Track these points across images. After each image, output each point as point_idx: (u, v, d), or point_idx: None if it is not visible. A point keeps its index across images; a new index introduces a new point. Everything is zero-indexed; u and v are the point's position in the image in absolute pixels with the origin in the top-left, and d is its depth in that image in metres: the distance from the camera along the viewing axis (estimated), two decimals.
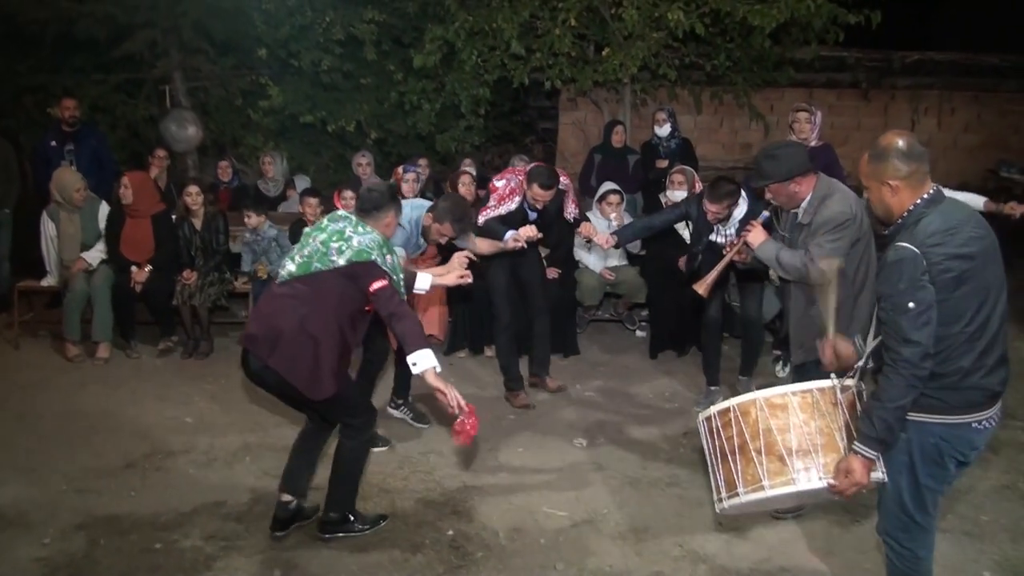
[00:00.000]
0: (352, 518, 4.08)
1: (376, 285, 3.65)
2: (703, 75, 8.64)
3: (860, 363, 2.94)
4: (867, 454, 2.73)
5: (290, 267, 3.81)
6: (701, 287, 4.60)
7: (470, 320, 6.69)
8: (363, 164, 7.72)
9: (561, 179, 5.71)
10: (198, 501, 4.39)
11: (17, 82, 8.46)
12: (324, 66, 8.45)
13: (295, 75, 8.73)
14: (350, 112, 8.64)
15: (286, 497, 4.07)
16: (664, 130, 7.60)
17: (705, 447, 3.18)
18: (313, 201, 6.62)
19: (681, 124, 9.60)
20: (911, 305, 2.62)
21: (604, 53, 7.89)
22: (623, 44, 7.71)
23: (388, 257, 3.77)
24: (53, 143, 7.44)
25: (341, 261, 3.69)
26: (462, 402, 3.61)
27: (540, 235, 5.33)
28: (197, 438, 5.14)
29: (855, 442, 2.76)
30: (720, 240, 5.39)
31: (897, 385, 2.65)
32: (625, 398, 5.89)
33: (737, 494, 2.98)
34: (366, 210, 3.87)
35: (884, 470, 2.84)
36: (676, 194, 6.62)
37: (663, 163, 7.51)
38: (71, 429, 5.25)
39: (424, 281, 4.34)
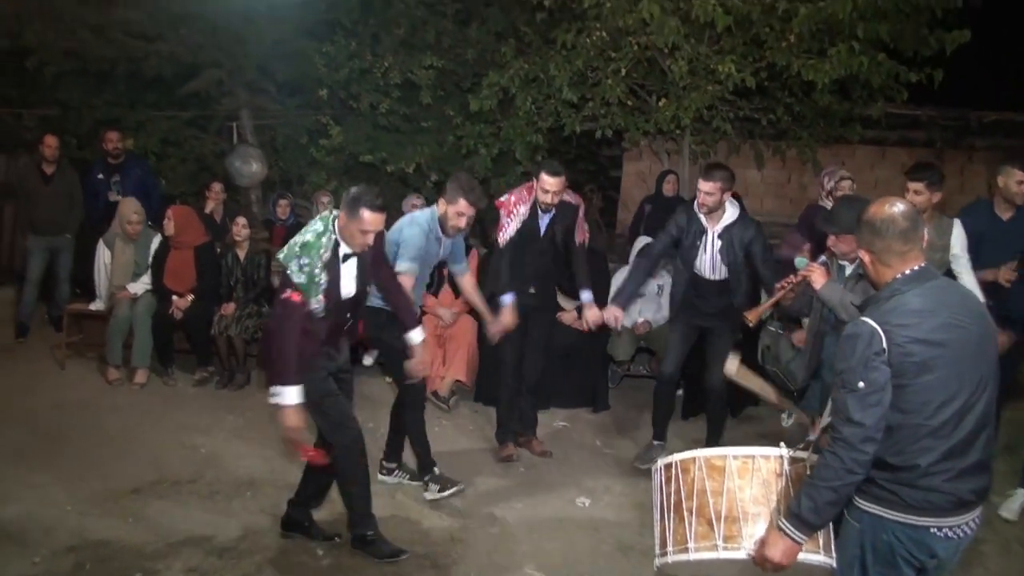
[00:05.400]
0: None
1: (284, 295, 3.81)
2: (765, 129, 8.44)
3: (813, 436, 2.77)
4: (788, 532, 2.54)
5: None
6: (751, 315, 4.51)
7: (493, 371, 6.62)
8: (418, 206, 7.78)
9: (572, 199, 5.60)
10: (189, 533, 4.44)
11: (95, 115, 8.90)
12: (383, 109, 8.61)
13: (358, 116, 8.92)
14: (410, 154, 8.76)
15: None
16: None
17: (653, 499, 3.05)
18: None
19: (746, 178, 9.47)
20: (860, 384, 2.43)
21: (660, 104, 7.80)
22: (681, 95, 7.62)
23: (304, 260, 3.82)
24: (100, 175, 7.78)
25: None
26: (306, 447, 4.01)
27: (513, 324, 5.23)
28: (206, 469, 5.22)
29: (780, 516, 2.58)
30: (707, 271, 5.23)
31: (832, 466, 2.46)
32: None
33: (666, 553, 2.85)
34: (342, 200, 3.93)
35: (831, 556, 2.66)
36: None
37: None
38: (92, 451, 5.41)
39: (417, 336, 4.34)
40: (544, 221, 5.44)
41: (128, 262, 6.89)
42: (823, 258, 4.28)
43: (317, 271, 3.83)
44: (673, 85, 7.62)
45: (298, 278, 3.80)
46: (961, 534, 2.52)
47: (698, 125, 8.09)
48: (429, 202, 8.29)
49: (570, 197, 5.56)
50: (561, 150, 9.80)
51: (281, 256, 3.90)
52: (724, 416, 5.71)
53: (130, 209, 6.87)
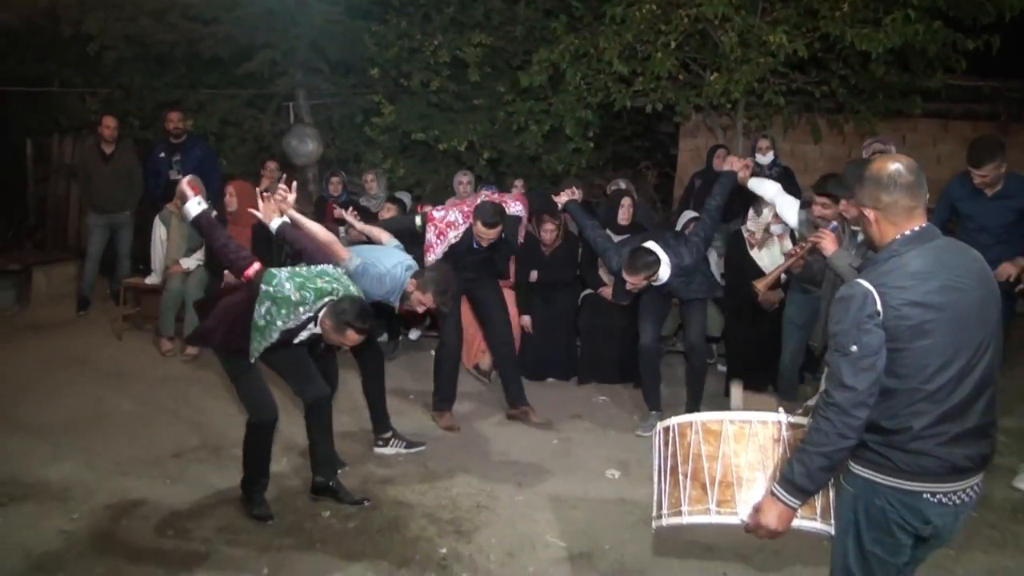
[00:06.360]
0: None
1: (247, 269, 4.14)
2: (821, 103, 8.20)
3: (812, 401, 2.70)
4: (782, 497, 2.48)
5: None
6: (760, 283, 4.54)
7: (537, 347, 6.66)
8: (463, 183, 7.82)
9: (517, 207, 5.65)
10: (224, 495, 4.57)
11: (156, 97, 9.18)
12: (433, 87, 8.65)
13: (410, 95, 8.99)
14: (463, 132, 8.79)
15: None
16: (767, 158, 7.32)
17: (652, 463, 3.02)
18: (394, 208, 6.90)
19: (805, 153, 9.24)
20: (853, 348, 2.36)
21: (712, 78, 7.66)
22: (733, 68, 7.46)
23: (273, 309, 4.02)
24: (162, 154, 7.98)
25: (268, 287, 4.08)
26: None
27: None
28: None
29: (774, 482, 2.53)
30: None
31: (824, 430, 2.40)
32: None
33: (661, 515, 2.83)
34: (330, 306, 4.10)
35: (829, 523, 2.61)
36: (775, 228, 6.40)
37: None
38: (140, 418, 5.62)
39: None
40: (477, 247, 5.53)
41: (183, 238, 7.09)
42: (834, 224, 4.18)
43: (275, 330, 4.05)
44: (724, 58, 7.47)
45: (257, 319, 4.04)
46: (958, 501, 2.44)
47: (751, 99, 7.92)
48: (479, 180, 8.39)
49: (517, 207, 5.66)
50: (616, 127, 9.72)
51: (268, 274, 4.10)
52: (703, 375, 5.76)
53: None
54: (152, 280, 7.20)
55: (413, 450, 5.18)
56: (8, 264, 8.33)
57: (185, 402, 5.90)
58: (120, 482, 4.68)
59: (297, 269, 4.23)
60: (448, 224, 5.42)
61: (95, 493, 4.53)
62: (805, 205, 4.98)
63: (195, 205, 4.39)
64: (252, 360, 4.16)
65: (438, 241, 5.42)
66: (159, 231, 7.18)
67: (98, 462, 4.92)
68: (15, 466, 4.81)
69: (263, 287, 4.04)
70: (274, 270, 4.13)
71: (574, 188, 5.80)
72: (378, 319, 4.69)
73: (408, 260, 4.92)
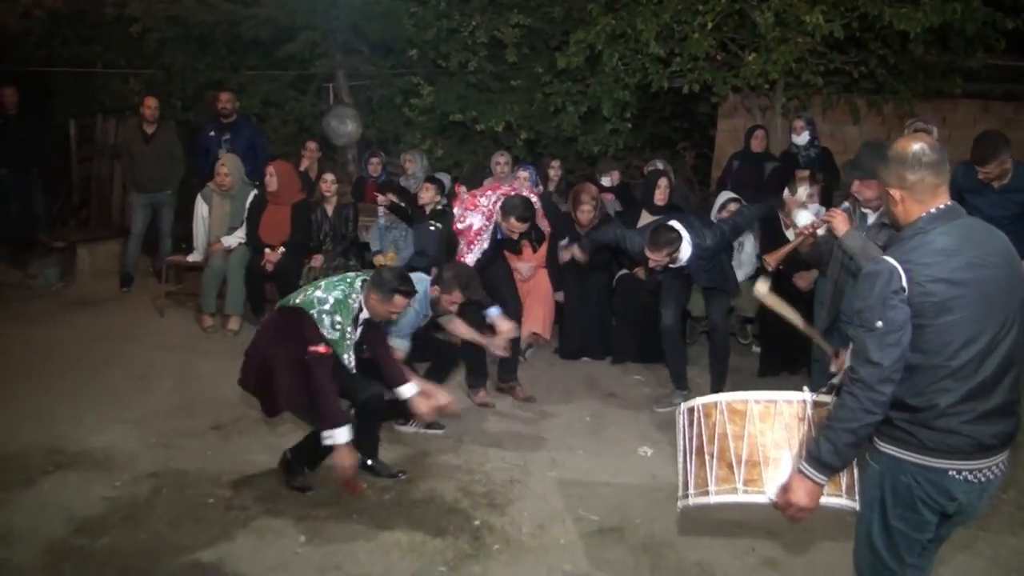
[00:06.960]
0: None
1: (313, 349, 4.12)
2: (861, 84, 8.11)
3: (836, 379, 2.72)
4: (810, 474, 2.50)
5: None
6: (771, 258, 4.49)
7: (572, 327, 6.71)
8: (501, 163, 7.82)
9: (534, 200, 5.78)
10: (263, 465, 4.67)
11: (198, 79, 9.34)
12: (471, 67, 8.68)
13: (449, 76, 9.03)
14: (500, 113, 8.81)
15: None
16: (802, 138, 7.27)
17: (676, 443, 3.05)
18: (432, 187, 6.97)
19: (845, 135, 9.14)
20: (879, 324, 2.38)
21: (750, 58, 7.60)
22: (771, 49, 7.41)
23: (338, 317, 4.18)
24: (212, 133, 8.10)
25: (294, 300, 4.26)
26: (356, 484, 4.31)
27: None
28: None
29: (801, 460, 2.55)
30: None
31: (850, 406, 2.42)
32: None
33: (687, 495, 2.86)
34: (371, 278, 4.30)
35: (854, 500, 2.63)
36: (801, 220, 6.37)
37: (804, 173, 7.15)
38: (182, 392, 5.75)
39: (408, 390, 4.46)
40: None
41: (225, 216, 7.21)
42: (846, 204, 4.17)
43: (349, 330, 4.21)
44: (762, 38, 7.41)
45: (331, 335, 4.16)
46: (983, 479, 2.46)
47: (789, 80, 7.85)
48: (516, 160, 8.41)
49: (534, 195, 5.84)
50: (653, 107, 9.67)
51: (303, 301, 4.23)
52: (727, 355, 5.80)
53: (220, 163, 7.21)
54: (194, 257, 7.32)
55: (432, 431, 5.20)
56: (53, 242, 8.57)
57: (225, 376, 5.92)
58: (162, 453, 4.81)
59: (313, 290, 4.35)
60: (476, 233, 5.61)
61: (138, 463, 4.66)
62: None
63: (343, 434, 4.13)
64: (353, 370, 4.32)
65: (467, 250, 5.62)
66: (201, 209, 7.30)
67: (141, 433, 5.05)
68: (60, 435, 4.96)
69: (311, 312, 4.17)
70: (301, 299, 4.27)
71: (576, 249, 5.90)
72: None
73: (418, 276, 5.06)
